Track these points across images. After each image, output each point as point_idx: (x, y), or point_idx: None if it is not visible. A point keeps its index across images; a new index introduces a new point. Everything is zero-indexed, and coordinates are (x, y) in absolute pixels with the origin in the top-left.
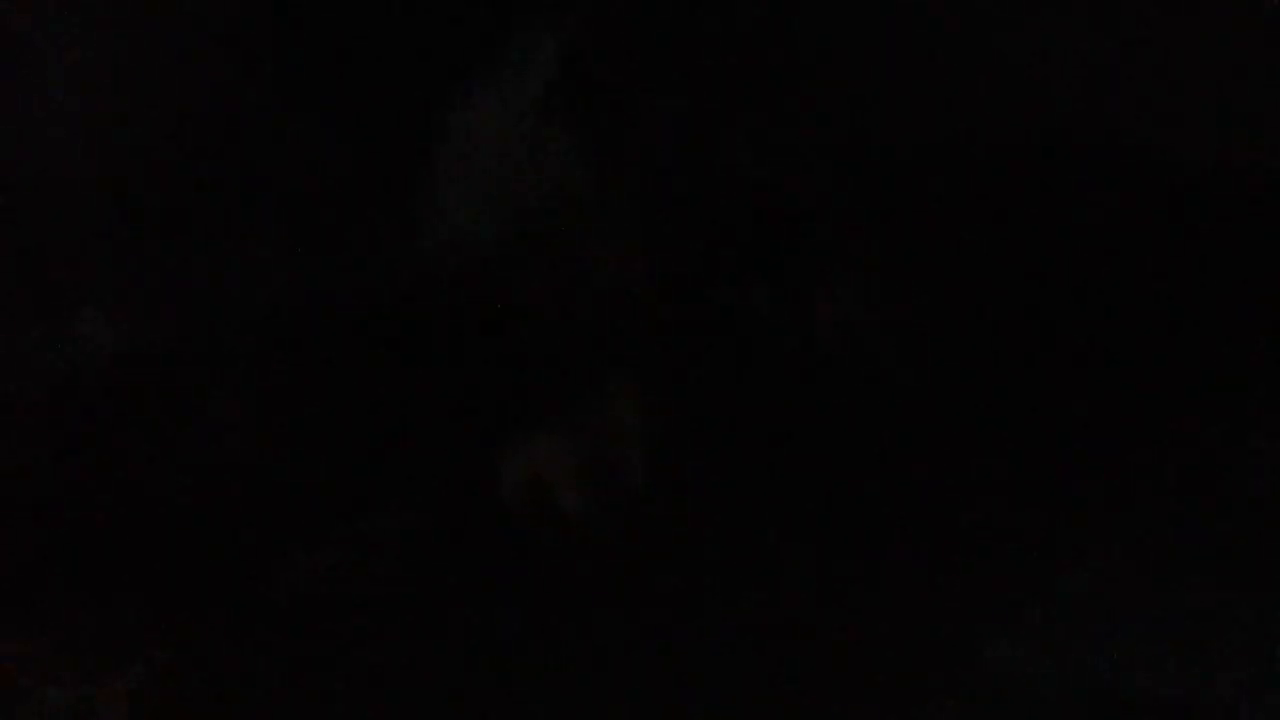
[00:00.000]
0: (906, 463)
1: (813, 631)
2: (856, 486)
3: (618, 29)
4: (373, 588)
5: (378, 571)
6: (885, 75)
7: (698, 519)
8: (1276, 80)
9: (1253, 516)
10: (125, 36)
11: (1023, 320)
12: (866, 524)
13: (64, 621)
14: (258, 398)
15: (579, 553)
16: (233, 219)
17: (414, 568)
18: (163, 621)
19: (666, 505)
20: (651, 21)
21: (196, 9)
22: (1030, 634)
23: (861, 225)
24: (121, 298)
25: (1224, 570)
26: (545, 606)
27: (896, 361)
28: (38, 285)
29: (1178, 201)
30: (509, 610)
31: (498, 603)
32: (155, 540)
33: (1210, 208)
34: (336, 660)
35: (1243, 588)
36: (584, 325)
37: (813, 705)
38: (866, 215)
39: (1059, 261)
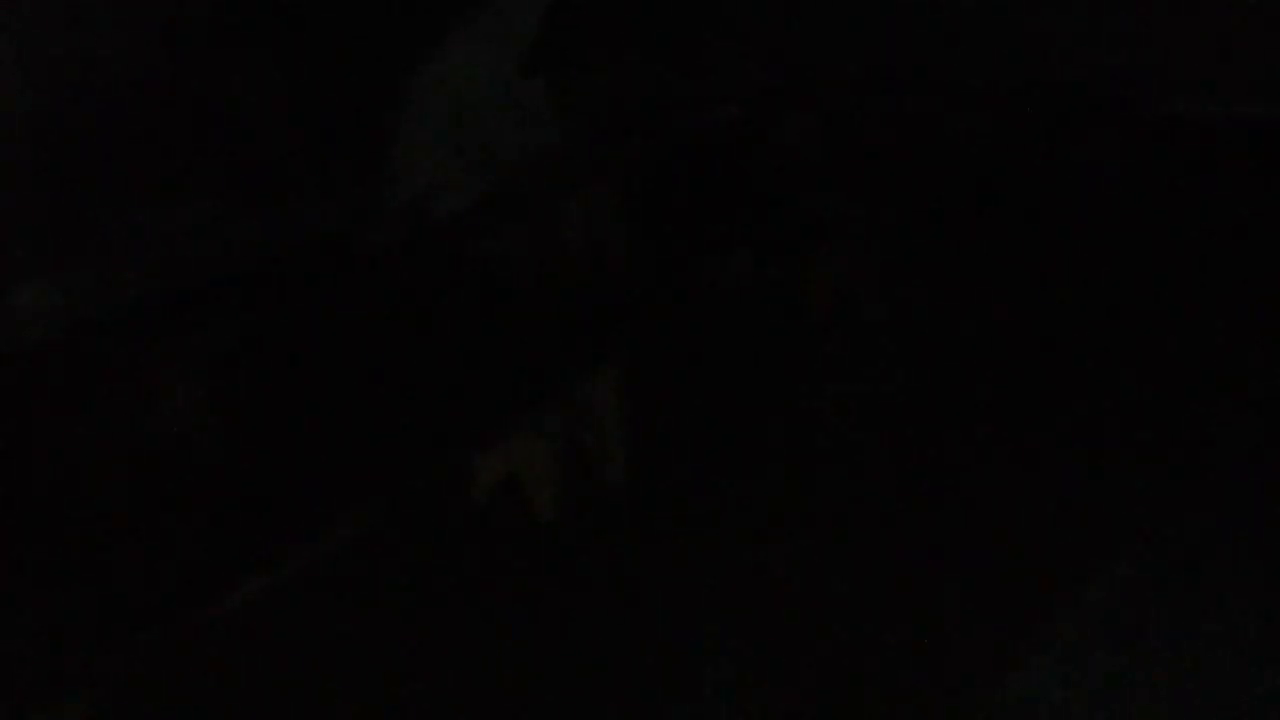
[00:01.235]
0: (910, 452)
1: (810, 638)
2: (856, 476)
3: None
4: (327, 605)
5: (332, 587)
6: (872, 33)
7: (681, 518)
8: None
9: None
10: None
11: (1028, 287)
12: (864, 517)
13: None
14: (212, 378)
15: (553, 554)
16: (183, 173)
17: (379, 572)
18: (106, 647)
19: (647, 505)
20: None
21: None
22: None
23: (856, 187)
24: (62, 266)
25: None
26: (518, 608)
27: (893, 330)
28: None
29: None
30: (481, 612)
31: (469, 605)
32: (97, 547)
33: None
34: (295, 677)
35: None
36: (561, 298)
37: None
38: (859, 177)
39: (1067, 229)
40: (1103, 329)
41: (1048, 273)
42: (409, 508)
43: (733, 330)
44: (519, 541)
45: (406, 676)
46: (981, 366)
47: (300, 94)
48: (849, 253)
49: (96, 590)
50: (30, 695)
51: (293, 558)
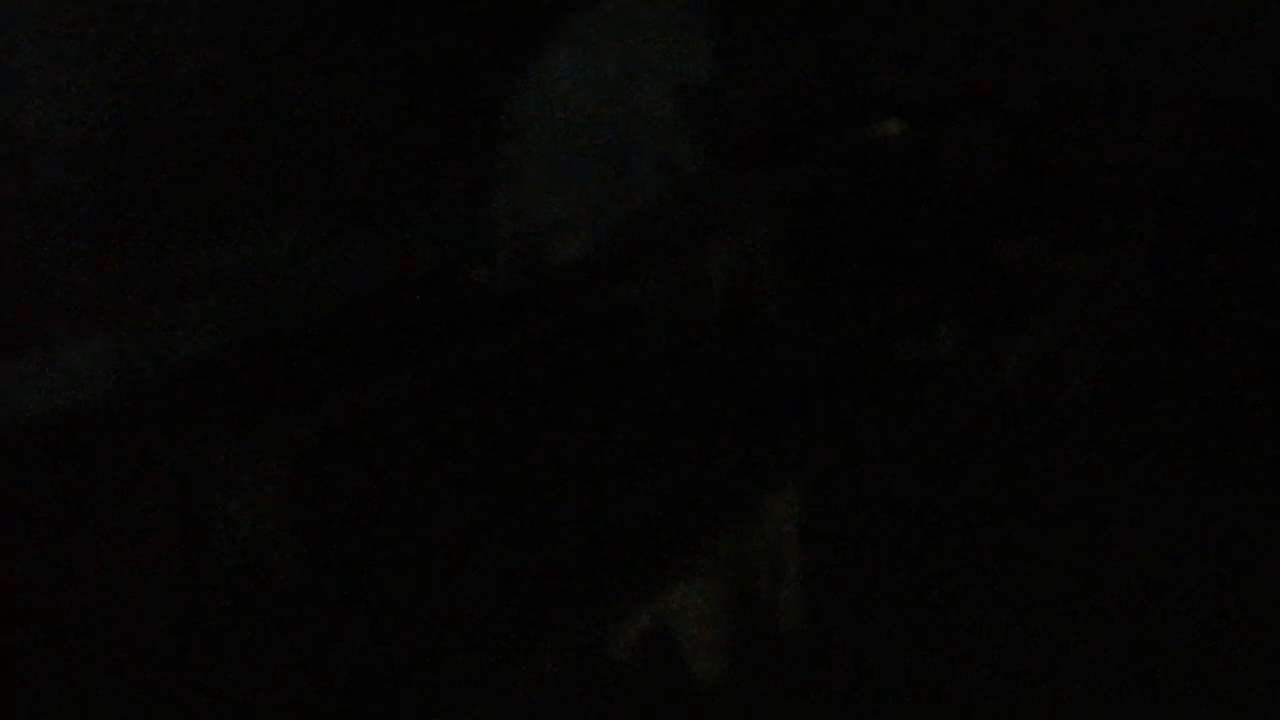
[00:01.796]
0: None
1: None
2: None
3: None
4: None
5: None
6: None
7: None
8: None
9: None
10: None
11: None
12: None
13: None
14: (288, 471)
15: None
16: (262, 202)
17: None
18: None
19: (829, 661)
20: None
21: None
22: None
23: (1065, 230)
24: (119, 316)
25: None
26: None
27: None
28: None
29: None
30: None
31: None
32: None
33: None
34: None
35: None
36: (714, 376)
37: None
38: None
39: None
40: None
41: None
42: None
43: (933, 425)
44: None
45: None
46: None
47: (398, 110)
48: (1064, 321)
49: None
50: None
51: None
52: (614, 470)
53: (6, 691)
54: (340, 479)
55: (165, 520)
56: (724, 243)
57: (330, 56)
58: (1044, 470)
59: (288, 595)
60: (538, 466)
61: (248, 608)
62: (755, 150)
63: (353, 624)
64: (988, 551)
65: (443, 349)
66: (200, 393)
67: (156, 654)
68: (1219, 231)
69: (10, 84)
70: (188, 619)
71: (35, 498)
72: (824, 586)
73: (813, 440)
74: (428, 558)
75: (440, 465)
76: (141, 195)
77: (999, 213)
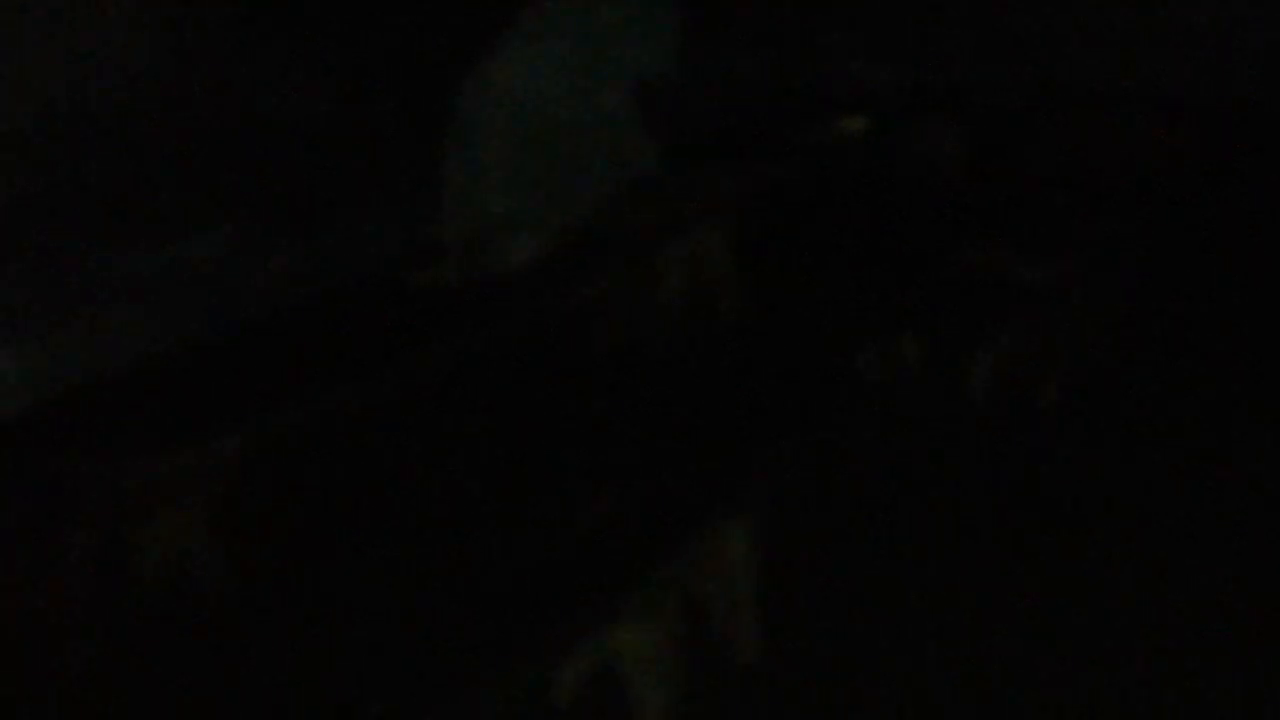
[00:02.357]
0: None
1: None
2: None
3: None
4: None
5: None
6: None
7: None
8: None
9: None
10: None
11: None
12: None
13: None
14: (217, 497)
15: None
16: (197, 200)
17: None
18: None
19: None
20: None
21: None
22: None
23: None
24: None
25: None
26: None
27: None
28: None
29: None
30: None
31: None
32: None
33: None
34: None
35: None
36: (665, 390)
37: None
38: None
39: None
40: None
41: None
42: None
43: (896, 441)
44: None
45: None
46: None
47: (336, 102)
48: (1034, 330)
49: None
50: None
51: None
52: (557, 492)
53: None
54: (271, 495)
55: (82, 542)
56: (680, 245)
57: (269, 53)
58: (1011, 485)
59: (213, 617)
60: (479, 485)
61: (171, 628)
62: (714, 148)
63: (279, 652)
64: (955, 575)
65: (385, 355)
66: (122, 406)
67: (76, 676)
68: (1193, 236)
69: None
70: (107, 640)
71: None
72: (780, 619)
73: (771, 460)
74: (359, 587)
75: (377, 482)
76: (60, 195)
77: (965, 215)
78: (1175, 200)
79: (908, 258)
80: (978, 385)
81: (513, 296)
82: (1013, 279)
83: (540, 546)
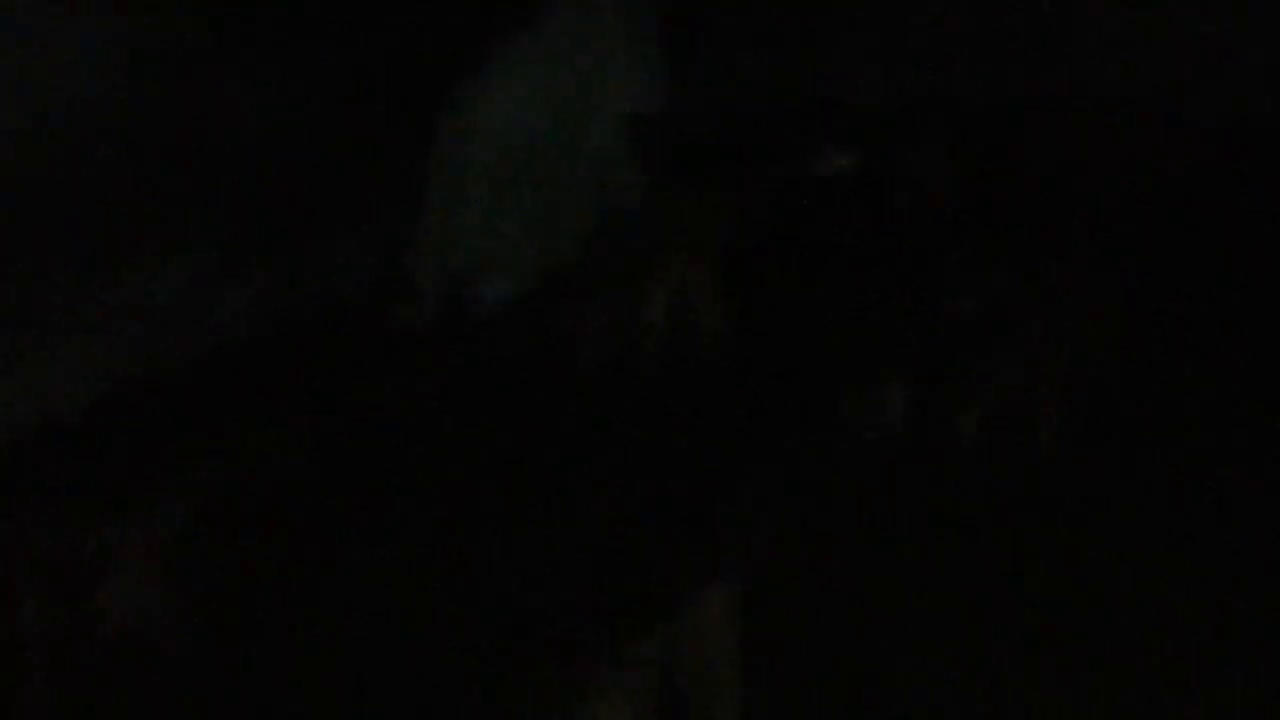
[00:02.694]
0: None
1: None
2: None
3: None
4: None
5: None
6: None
7: None
8: None
9: None
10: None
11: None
12: None
13: None
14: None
15: None
16: (158, 232)
17: None
18: None
19: None
20: None
21: None
22: None
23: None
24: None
25: None
26: None
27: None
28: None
29: None
30: None
31: None
32: None
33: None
34: None
35: None
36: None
37: None
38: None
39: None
40: None
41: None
42: None
43: (886, 496)
44: None
45: None
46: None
47: (306, 131)
48: (1025, 366)
49: None
50: None
51: None
52: (528, 553)
53: None
54: (233, 550)
55: (34, 598)
56: (663, 279)
57: (235, 77)
58: (1010, 542)
59: (176, 677)
60: (448, 545)
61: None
62: (701, 178)
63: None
64: (952, 645)
65: (355, 398)
66: (75, 456)
67: None
68: (1200, 263)
69: None
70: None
71: None
72: (763, 693)
73: (752, 521)
74: (321, 646)
75: (344, 533)
76: (4, 229)
77: (955, 241)
78: (1178, 219)
79: (898, 291)
80: (969, 427)
81: (489, 337)
82: (1006, 310)
83: (505, 619)
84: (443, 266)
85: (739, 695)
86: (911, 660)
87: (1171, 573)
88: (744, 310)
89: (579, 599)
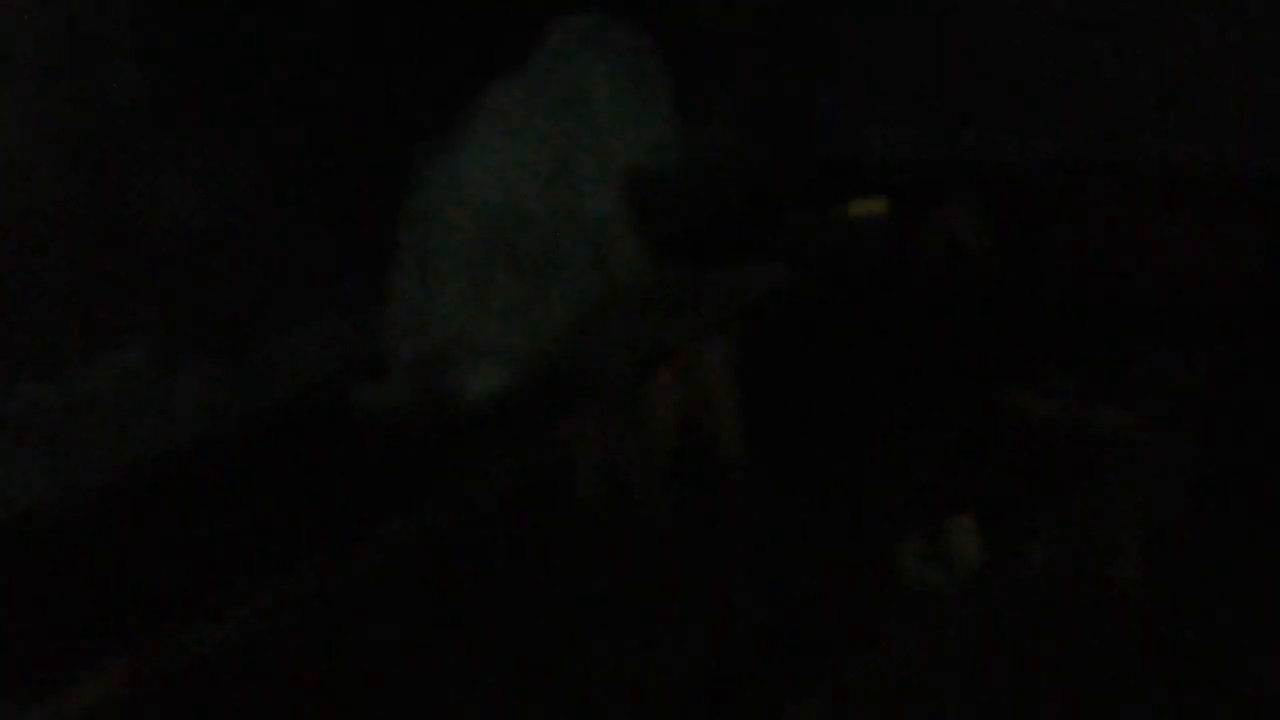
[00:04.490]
0: None
1: None
2: None
3: None
4: None
5: None
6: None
7: None
8: None
9: None
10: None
11: None
12: None
13: None
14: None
15: None
16: (105, 315)
17: None
18: None
19: None
20: None
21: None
22: None
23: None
24: None
25: None
26: None
27: None
28: None
29: None
30: None
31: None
32: None
33: None
34: None
35: None
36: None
37: None
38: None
39: None
40: None
41: None
42: None
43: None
44: None
45: None
46: None
47: (267, 202)
48: (1099, 492)
49: None
50: None
51: None
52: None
53: None
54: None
55: None
56: (671, 372)
57: (185, 150)
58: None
59: None
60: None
61: None
62: (713, 249)
63: None
64: None
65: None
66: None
67: None
68: None
69: None
70: None
71: None
72: None
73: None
74: None
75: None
76: None
77: (1007, 342)
78: (1263, 308)
79: (942, 391)
80: (1037, 572)
81: (473, 443)
82: (1072, 424)
83: None
84: (419, 348)
85: None
86: None
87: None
88: (763, 401)
89: None
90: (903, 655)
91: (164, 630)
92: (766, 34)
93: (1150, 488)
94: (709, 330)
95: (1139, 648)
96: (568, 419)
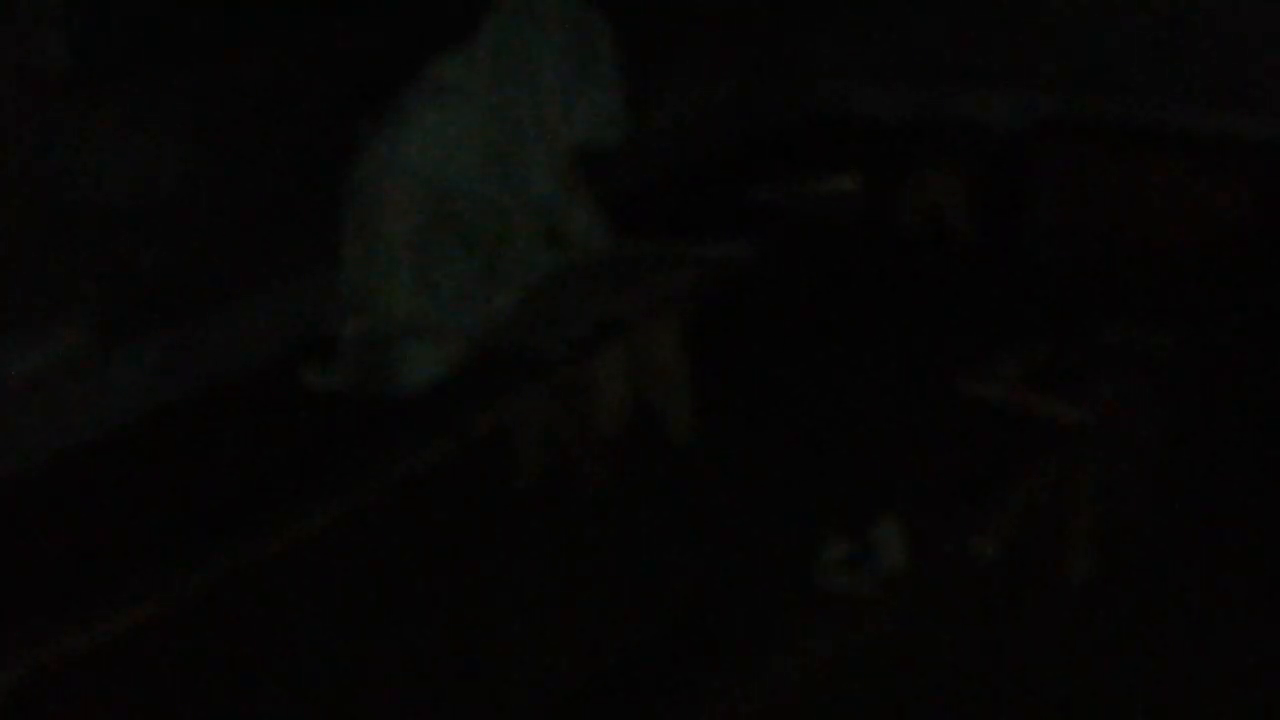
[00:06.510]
0: None
1: None
2: None
3: None
4: None
5: None
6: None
7: None
8: None
9: None
10: None
11: None
12: None
13: None
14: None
15: None
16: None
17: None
18: None
19: None
20: None
21: None
22: None
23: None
24: None
25: None
26: None
27: None
28: None
29: None
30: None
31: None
32: None
33: None
34: None
35: None
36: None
37: None
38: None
39: None
40: None
41: None
42: None
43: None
44: None
45: None
46: None
47: (212, 178)
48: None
49: None
50: None
51: None
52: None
53: None
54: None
55: None
56: (620, 351)
57: (125, 121)
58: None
59: None
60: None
61: None
62: (671, 219)
63: None
64: None
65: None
66: None
67: None
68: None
69: None
70: None
71: None
72: None
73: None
74: None
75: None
76: None
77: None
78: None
79: (904, 372)
80: (988, 563)
81: (414, 422)
82: (1023, 412)
83: None
84: (363, 329)
85: None
86: None
87: None
88: (717, 381)
89: None
90: (816, 656)
91: (81, 616)
92: None
93: (1100, 475)
94: (661, 305)
95: (1087, 645)
96: (508, 396)
